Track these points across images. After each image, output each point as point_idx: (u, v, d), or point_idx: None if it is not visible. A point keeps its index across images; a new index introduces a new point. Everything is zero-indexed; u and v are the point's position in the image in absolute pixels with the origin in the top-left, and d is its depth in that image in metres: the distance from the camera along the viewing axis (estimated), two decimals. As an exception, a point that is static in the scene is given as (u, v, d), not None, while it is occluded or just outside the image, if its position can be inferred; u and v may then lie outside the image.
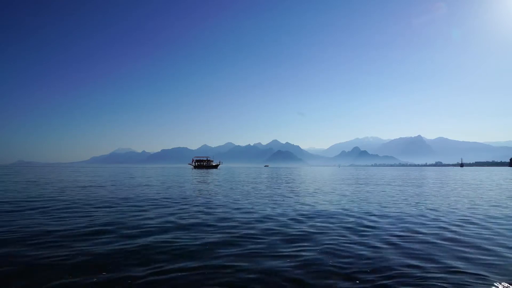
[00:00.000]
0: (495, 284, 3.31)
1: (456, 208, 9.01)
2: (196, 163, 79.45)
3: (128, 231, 5.67)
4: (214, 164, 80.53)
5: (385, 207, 9.20)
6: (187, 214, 7.68)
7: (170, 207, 8.97)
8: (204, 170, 58.17)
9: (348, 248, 4.62)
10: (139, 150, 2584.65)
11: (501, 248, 4.70)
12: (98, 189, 15.21)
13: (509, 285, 3.29)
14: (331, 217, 7.31)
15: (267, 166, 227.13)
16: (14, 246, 4.66)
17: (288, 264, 3.90)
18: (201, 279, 3.41)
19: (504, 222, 6.94)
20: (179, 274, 3.55)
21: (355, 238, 5.26)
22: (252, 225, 6.39)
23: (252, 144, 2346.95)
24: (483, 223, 6.74)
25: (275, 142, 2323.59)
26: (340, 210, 8.43)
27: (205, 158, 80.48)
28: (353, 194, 13.06)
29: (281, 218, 7.14)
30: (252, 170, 65.24)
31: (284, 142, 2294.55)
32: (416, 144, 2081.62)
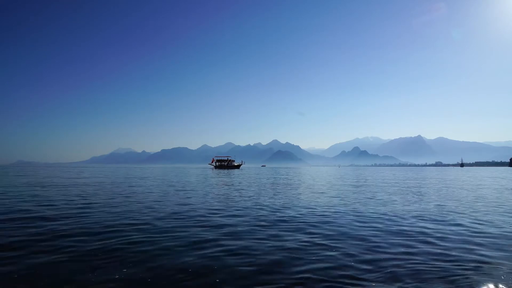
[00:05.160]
0: None
1: None
2: (217, 163, 75.08)
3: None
4: (236, 164, 76.22)
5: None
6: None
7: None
8: (228, 171, 53.66)
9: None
10: (139, 150, 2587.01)
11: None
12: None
13: None
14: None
15: (264, 166, 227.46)
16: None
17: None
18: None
19: None
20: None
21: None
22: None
23: (252, 144, 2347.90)
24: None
25: (275, 142, 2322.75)
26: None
27: (226, 158, 75.80)
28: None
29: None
30: (264, 170, 65.01)
31: (284, 142, 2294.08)
32: (416, 144, 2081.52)
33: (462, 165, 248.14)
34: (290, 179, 26.84)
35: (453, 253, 4.56)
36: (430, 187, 18.47)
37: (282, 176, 33.60)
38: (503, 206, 9.82)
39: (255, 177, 31.51)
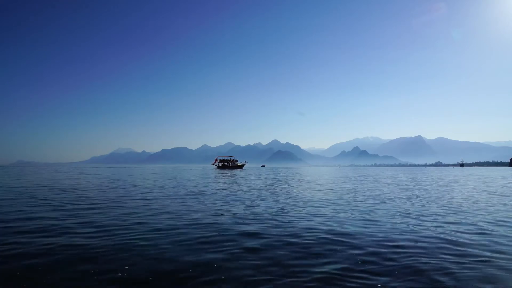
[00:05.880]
0: None
1: None
2: (220, 163, 75.27)
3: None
4: (239, 164, 76.28)
5: None
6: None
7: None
8: (232, 171, 53.21)
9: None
10: (139, 150, 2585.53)
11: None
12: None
13: None
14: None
15: (264, 166, 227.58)
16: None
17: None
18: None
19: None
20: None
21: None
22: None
23: (252, 144, 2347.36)
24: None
25: (275, 142, 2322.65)
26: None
27: (229, 158, 76.04)
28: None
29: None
30: (265, 171, 64.90)
31: (284, 142, 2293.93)
32: (416, 144, 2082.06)
33: (462, 165, 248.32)
34: (296, 181, 26.77)
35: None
36: (443, 190, 18.37)
37: (284, 177, 33.55)
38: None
39: (260, 178, 31.46)
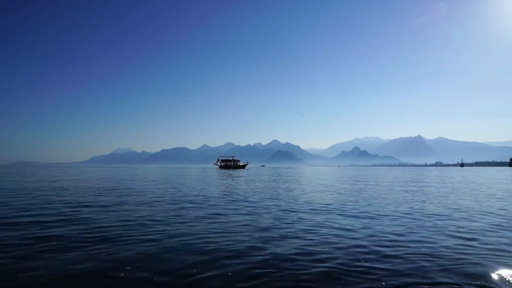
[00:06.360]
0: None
1: None
2: (222, 163, 75.74)
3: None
4: (241, 164, 77.11)
5: None
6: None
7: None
8: (234, 171, 53.87)
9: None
10: (139, 150, 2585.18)
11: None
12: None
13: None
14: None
15: (264, 166, 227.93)
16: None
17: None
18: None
19: None
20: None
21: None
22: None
23: (252, 144, 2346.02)
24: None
25: (275, 142, 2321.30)
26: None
27: (231, 158, 76.86)
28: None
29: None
30: (265, 171, 65.11)
31: (284, 142, 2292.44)
32: (416, 144, 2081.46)
33: (462, 165, 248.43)
34: (298, 181, 26.87)
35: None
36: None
37: (286, 178, 33.69)
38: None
39: (262, 178, 31.56)
